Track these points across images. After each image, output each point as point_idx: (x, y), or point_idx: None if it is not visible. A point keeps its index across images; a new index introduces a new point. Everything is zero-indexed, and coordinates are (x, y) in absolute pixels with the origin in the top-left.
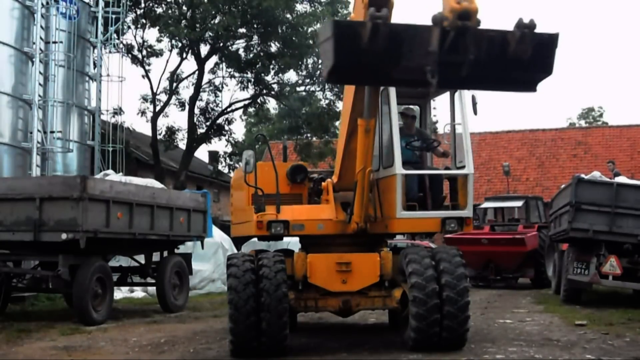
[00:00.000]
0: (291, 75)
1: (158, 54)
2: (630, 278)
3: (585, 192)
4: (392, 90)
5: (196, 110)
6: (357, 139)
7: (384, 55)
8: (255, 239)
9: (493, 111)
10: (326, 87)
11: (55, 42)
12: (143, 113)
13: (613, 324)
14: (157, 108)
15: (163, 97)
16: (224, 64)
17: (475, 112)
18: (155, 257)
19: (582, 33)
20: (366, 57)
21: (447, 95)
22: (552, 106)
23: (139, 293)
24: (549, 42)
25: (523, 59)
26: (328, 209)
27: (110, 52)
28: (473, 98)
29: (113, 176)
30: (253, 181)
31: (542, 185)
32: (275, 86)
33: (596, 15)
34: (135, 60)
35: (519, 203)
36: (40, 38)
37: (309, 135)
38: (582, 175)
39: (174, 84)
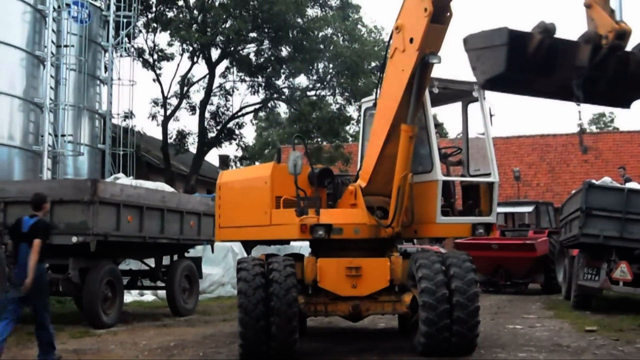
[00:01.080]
0: (302, 80)
1: (169, 58)
2: None
3: (596, 197)
4: (428, 98)
5: (207, 114)
6: (394, 144)
7: (540, 67)
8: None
9: (504, 117)
10: (337, 91)
11: (66, 46)
12: (154, 117)
13: (623, 330)
14: (168, 112)
15: (174, 101)
16: (234, 68)
17: (491, 123)
18: (165, 260)
19: None
20: (526, 68)
21: (448, 106)
22: (563, 111)
23: (148, 296)
24: None
25: (637, 78)
26: (360, 213)
27: (121, 55)
28: (489, 110)
29: (123, 180)
30: (277, 184)
31: (552, 191)
32: (285, 90)
33: None
34: (146, 64)
35: (530, 208)
36: (52, 42)
37: (319, 139)
38: (593, 181)
39: (185, 88)
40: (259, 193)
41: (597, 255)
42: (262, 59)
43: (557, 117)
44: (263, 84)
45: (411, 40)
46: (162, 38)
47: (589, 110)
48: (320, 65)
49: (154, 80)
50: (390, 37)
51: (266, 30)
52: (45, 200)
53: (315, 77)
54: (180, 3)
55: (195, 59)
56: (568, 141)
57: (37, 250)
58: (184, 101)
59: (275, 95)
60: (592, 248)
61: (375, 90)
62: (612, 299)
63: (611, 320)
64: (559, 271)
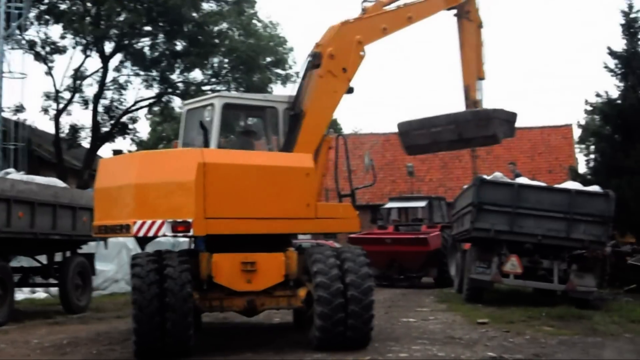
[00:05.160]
0: (196, 74)
1: (62, 50)
2: (531, 277)
3: (487, 192)
4: None
5: (100, 109)
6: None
7: None
8: (162, 239)
9: (398, 112)
10: (232, 86)
11: None
12: (46, 111)
13: (514, 322)
14: (60, 106)
15: (66, 95)
16: (128, 62)
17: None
18: (58, 257)
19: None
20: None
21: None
22: (455, 107)
23: (40, 294)
24: None
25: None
26: None
27: (12, 48)
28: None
29: (14, 175)
30: None
31: (445, 186)
32: (180, 85)
33: (495, 22)
34: (38, 56)
35: (423, 203)
36: None
37: None
38: (484, 176)
39: (78, 82)
40: (296, 184)
41: (488, 249)
42: (156, 53)
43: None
44: (157, 78)
45: (344, 70)
46: (55, 30)
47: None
48: (215, 60)
49: (46, 73)
50: (316, 56)
51: (161, 23)
52: None
53: (210, 72)
54: None
55: (88, 52)
56: None
57: None
58: (77, 95)
59: (169, 90)
60: (484, 242)
61: (297, 94)
62: (503, 291)
63: (502, 312)
64: (452, 265)
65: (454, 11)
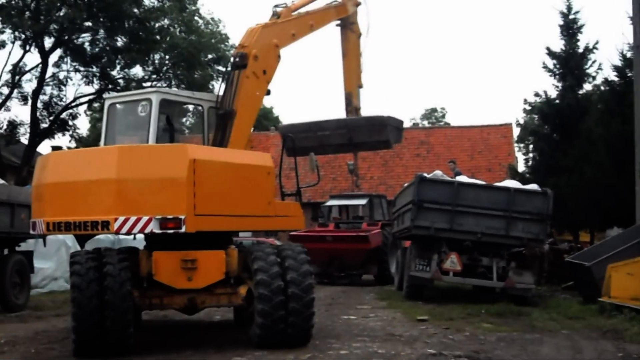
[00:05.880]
0: (137, 71)
1: (0, 45)
2: (470, 274)
3: (427, 190)
4: None
5: (39, 105)
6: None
7: None
8: (101, 237)
9: (337, 110)
10: (173, 83)
11: None
12: None
13: (453, 319)
14: None
15: (5, 90)
16: (68, 57)
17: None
18: None
19: (426, 36)
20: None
21: None
22: (397, 106)
23: None
24: None
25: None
26: None
27: None
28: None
29: None
30: None
31: (385, 184)
32: (121, 81)
33: (439, 22)
34: None
35: (363, 201)
36: None
37: None
38: (425, 174)
39: (16, 77)
40: (259, 182)
41: (428, 247)
42: (97, 49)
43: (390, 111)
44: (98, 74)
45: (264, 72)
46: None
47: (422, 106)
48: (157, 57)
49: None
50: (243, 56)
51: (101, 19)
52: None
53: (151, 68)
54: None
55: (27, 47)
56: None
57: None
58: (15, 91)
59: (110, 86)
60: (424, 239)
61: (230, 94)
62: (442, 288)
63: (442, 309)
64: (392, 262)
65: (338, 22)
